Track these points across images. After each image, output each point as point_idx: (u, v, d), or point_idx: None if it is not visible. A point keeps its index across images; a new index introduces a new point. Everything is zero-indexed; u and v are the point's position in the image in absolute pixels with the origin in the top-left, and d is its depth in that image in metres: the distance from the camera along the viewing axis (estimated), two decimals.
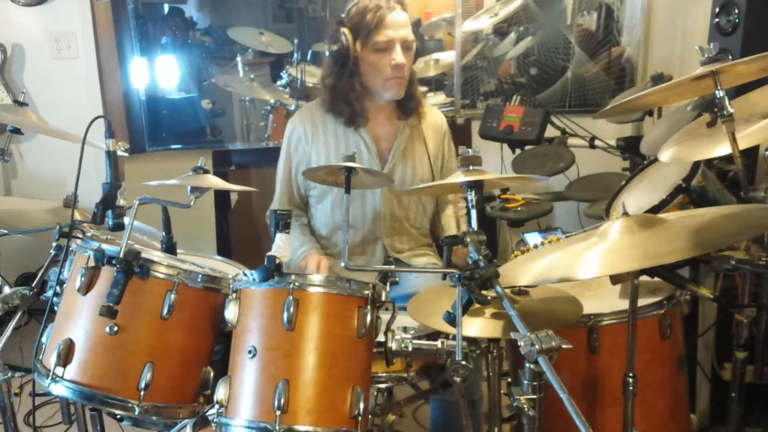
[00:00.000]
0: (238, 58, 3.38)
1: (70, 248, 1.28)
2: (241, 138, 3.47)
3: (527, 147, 2.41)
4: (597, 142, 2.39)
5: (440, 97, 3.20)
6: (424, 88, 3.17)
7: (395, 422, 1.56)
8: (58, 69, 2.99)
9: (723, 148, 1.25)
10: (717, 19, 2.13)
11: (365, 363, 1.16)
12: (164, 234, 1.41)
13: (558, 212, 2.79)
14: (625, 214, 1.19)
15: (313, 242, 1.85)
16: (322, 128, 1.83)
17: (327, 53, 1.77)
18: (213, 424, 1.14)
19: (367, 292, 1.15)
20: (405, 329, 1.27)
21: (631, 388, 1.28)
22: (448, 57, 3.17)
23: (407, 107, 1.81)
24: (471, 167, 1.23)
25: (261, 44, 3.28)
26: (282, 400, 1.06)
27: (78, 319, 1.19)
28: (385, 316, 1.21)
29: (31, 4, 2.93)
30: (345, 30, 1.70)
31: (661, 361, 1.45)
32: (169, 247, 1.41)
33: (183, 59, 3.42)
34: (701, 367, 1.85)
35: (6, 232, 1.57)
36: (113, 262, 1.14)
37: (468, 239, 1.13)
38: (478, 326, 1.23)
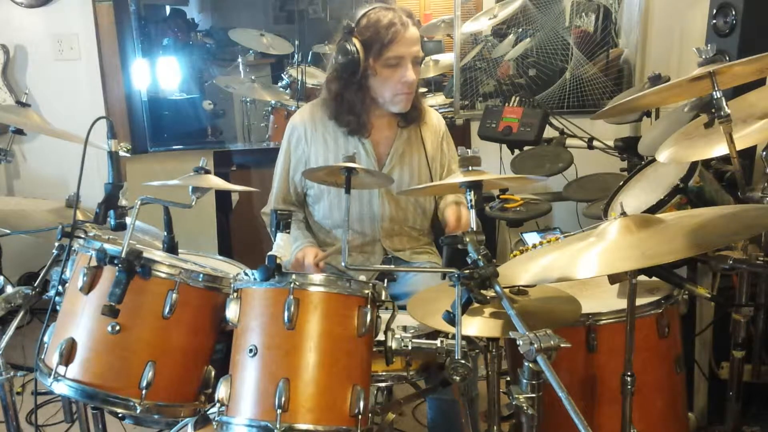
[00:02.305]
0: (239, 60, 3.38)
1: (73, 248, 1.29)
2: (242, 138, 3.48)
3: (526, 147, 2.42)
4: (595, 143, 2.39)
5: (439, 98, 3.21)
6: (423, 89, 3.20)
7: (395, 421, 1.57)
8: (60, 70, 3.00)
9: (720, 149, 1.26)
10: (714, 21, 2.14)
11: (365, 362, 1.17)
12: (166, 234, 1.42)
13: (557, 212, 2.80)
14: (623, 214, 1.20)
15: (309, 237, 1.85)
16: (322, 130, 1.83)
17: (333, 58, 1.75)
18: (214, 423, 1.14)
19: (367, 291, 1.16)
20: (405, 328, 1.28)
21: (629, 387, 1.29)
22: (447, 58, 3.18)
23: (410, 116, 1.81)
24: (470, 168, 1.24)
25: (262, 45, 3.28)
26: (282, 399, 1.07)
27: (80, 318, 1.19)
28: (385, 315, 1.22)
29: (34, 5, 2.94)
30: (356, 41, 1.69)
31: (659, 360, 1.45)
32: (171, 247, 1.41)
33: (184, 60, 3.43)
34: (699, 366, 1.85)
35: (9, 232, 1.58)
36: (115, 261, 1.15)
37: (467, 239, 1.14)
38: (477, 325, 1.24)
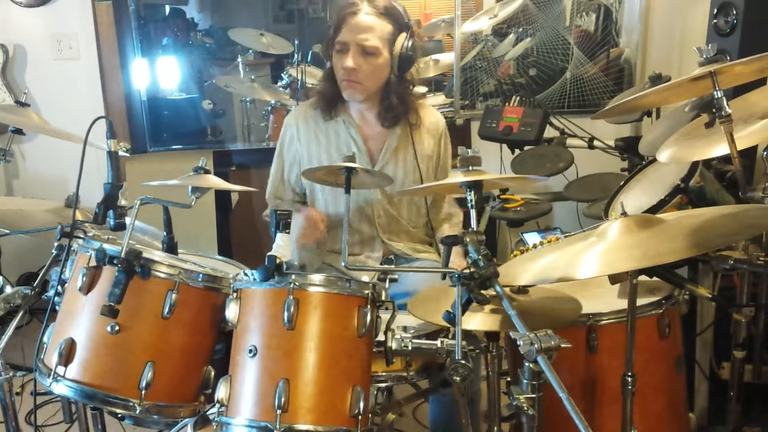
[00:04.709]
0: (239, 59, 3.38)
1: (72, 248, 1.28)
2: (242, 138, 3.48)
3: (526, 147, 2.42)
4: (596, 143, 2.39)
5: (440, 98, 3.21)
6: (423, 89, 3.19)
7: (395, 421, 1.57)
8: (59, 70, 3.00)
9: (721, 149, 1.26)
10: (715, 20, 2.14)
11: (365, 362, 1.17)
12: (165, 234, 1.41)
13: (557, 212, 2.80)
14: (624, 214, 1.20)
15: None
16: (314, 126, 1.84)
17: None
18: (214, 423, 1.14)
19: (367, 291, 1.16)
20: (405, 328, 1.28)
21: (629, 387, 1.29)
22: (447, 58, 3.18)
23: (389, 114, 1.78)
24: (470, 167, 1.24)
25: (262, 45, 3.28)
26: (282, 399, 1.06)
27: (79, 318, 1.19)
28: (385, 316, 1.22)
29: (33, 5, 2.94)
30: (331, 29, 1.73)
31: (659, 360, 1.45)
32: (170, 247, 1.41)
33: (184, 60, 3.43)
34: (700, 366, 1.85)
35: (8, 232, 1.57)
36: (114, 261, 1.14)
37: (467, 239, 1.14)
38: (477, 322, 1.23)
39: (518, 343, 0.99)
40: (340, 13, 1.70)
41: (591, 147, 2.40)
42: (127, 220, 1.26)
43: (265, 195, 1.94)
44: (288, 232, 1.20)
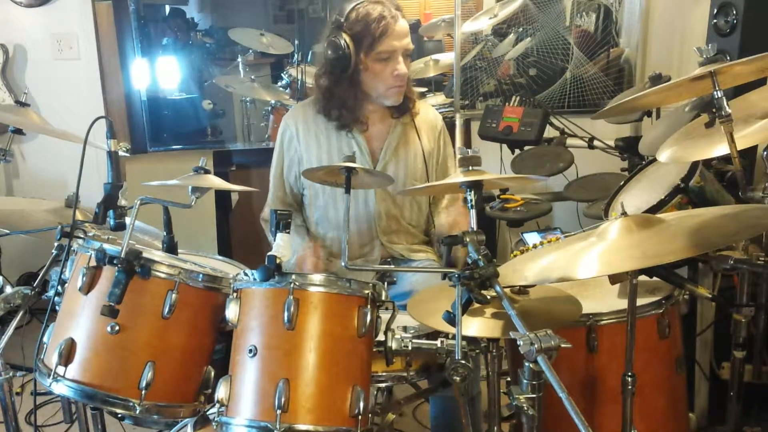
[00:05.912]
0: (239, 59, 3.39)
1: (72, 248, 1.29)
2: (242, 138, 3.48)
3: (526, 147, 2.42)
4: (596, 143, 2.39)
5: (440, 98, 3.21)
6: (423, 89, 3.19)
7: (395, 421, 1.58)
8: (59, 70, 3.00)
9: (721, 149, 1.26)
10: (715, 20, 2.13)
11: (365, 362, 1.17)
12: (165, 234, 1.42)
13: (557, 212, 2.80)
14: (624, 214, 1.20)
15: (307, 241, 1.84)
16: (314, 128, 1.83)
17: (325, 55, 1.76)
18: (214, 423, 1.14)
19: (367, 291, 1.16)
20: (405, 328, 1.28)
21: (630, 387, 1.28)
22: (447, 58, 3.17)
23: (402, 106, 1.81)
24: (470, 167, 1.24)
25: (262, 45, 3.28)
26: (282, 399, 1.07)
27: (79, 318, 1.19)
28: (385, 316, 1.22)
29: (33, 5, 2.94)
30: (346, 36, 1.69)
31: (659, 360, 1.45)
32: (170, 247, 1.41)
33: (184, 60, 3.43)
34: (700, 366, 1.85)
35: (8, 232, 1.57)
36: (114, 261, 1.15)
37: (467, 239, 1.14)
38: (477, 326, 1.23)
39: (518, 343, 0.99)
40: (380, 23, 1.67)
41: (591, 147, 2.39)
42: (127, 220, 1.26)
43: (267, 200, 1.93)
44: (288, 232, 1.20)
